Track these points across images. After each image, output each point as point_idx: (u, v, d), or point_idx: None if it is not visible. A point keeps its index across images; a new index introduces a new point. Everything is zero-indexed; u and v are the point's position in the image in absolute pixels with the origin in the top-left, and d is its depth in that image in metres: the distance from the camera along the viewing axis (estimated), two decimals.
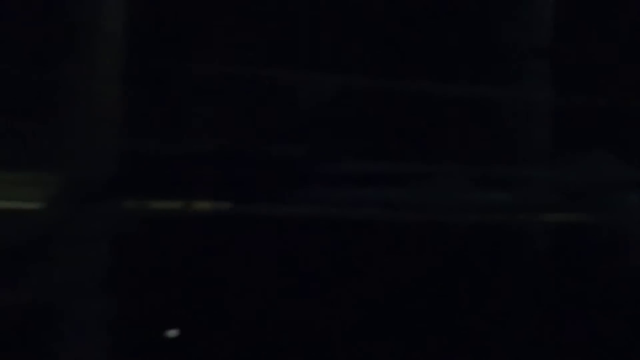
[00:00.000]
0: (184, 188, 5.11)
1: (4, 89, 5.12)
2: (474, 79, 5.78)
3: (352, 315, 5.38)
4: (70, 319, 4.91)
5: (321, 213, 5.18)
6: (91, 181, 4.99)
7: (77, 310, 4.92)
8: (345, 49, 5.59)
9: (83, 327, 4.92)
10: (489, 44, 5.85)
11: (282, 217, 5.14)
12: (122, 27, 5.10)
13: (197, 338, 5.20)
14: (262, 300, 5.22)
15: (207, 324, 5.19)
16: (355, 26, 5.63)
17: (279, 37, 5.53)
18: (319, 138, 5.41)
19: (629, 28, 6.18)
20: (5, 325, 4.92)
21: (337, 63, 5.54)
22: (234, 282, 5.19)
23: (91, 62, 5.11)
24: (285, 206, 5.15)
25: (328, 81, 5.48)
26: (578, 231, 5.84)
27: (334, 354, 5.33)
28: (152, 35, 5.30)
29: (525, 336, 5.66)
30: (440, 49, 5.78)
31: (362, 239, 5.38)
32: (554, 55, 5.84)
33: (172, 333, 5.13)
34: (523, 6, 5.87)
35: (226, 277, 5.18)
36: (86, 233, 4.98)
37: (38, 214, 5.09)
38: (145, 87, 5.22)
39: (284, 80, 5.43)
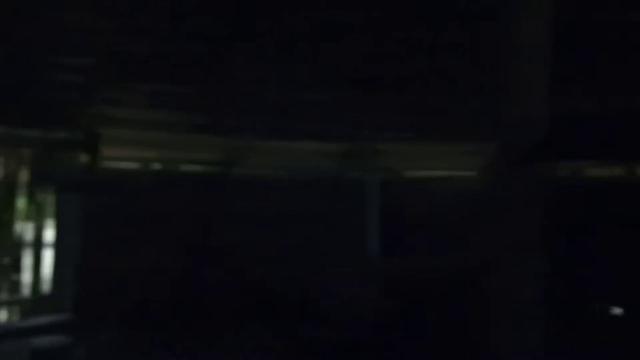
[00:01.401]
0: (623, 152, 4.88)
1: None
2: None
3: None
4: (507, 278, 4.92)
5: None
6: (523, 146, 4.89)
7: (512, 269, 4.94)
8: None
9: (518, 285, 4.93)
10: None
11: None
12: None
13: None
14: None
15: None
16: None
17: None
18: None
19: None
20: (448, 283, 5.03)
21: None
22: None
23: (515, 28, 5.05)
24: None
25: None
26: None
27: None
28: None
29: None
30: None
31: None
32: None
33: (617, 311, 4.96)
34: None
35: None
36: (520, 197, 4.92)
37: (474, 180, 5.10)
38: (577, 45, 5.05)
39: None
